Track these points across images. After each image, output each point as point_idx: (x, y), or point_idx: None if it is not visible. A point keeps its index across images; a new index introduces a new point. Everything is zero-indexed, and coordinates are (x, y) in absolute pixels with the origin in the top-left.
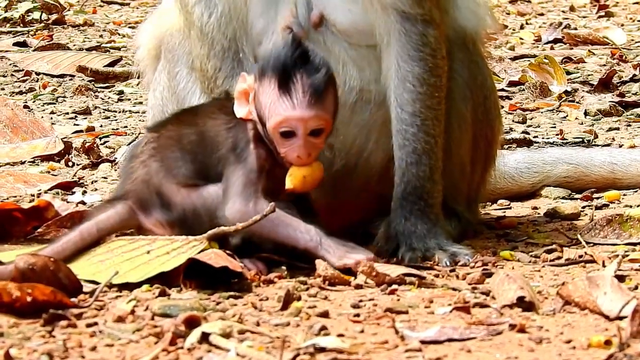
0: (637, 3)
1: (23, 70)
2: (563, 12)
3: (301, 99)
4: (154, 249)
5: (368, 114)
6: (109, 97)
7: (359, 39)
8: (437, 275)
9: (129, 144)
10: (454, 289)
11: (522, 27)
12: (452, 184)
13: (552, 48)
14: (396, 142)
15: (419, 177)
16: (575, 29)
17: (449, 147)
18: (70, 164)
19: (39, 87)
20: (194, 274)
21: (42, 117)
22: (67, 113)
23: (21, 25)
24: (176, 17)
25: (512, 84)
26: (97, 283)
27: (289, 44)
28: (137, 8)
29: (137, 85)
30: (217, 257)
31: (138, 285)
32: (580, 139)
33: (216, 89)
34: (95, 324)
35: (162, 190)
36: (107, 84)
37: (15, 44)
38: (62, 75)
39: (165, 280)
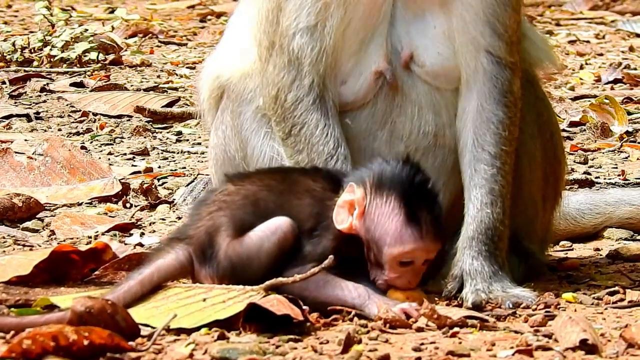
0: None
1: (80, 110)
2: (622, 52)
3: (428, 230)
4: (210, 297)
5: (440, 159)
6: (167, 138)
7: (442, 81)
8: (499, 318)
9: (188, 184)
10: (516, 332)
11: (581, 68)
12: (526, 222)
13: (612, 88)
14: (471, 181)
15: (492, 218)
16: (635, 69)
17: (521, 185)
18: (128, 205)
19: (97, 128)
20: (253, 318)
21: (100, 158)
22: (125, 154)
23: (78, 65)
24: (245, 53)
25: (573, 124)
26: (151, 327)
27: (404, 165)
28: (195, 48)
29: (196, 125)
30: (279, 304)
31: (197, 328)
32: None
33: (291, 119)
34: None
35: (216, 242)
36: (165, 125)
37: (72, 85)
38: (119, 116)
39: (224, 324)
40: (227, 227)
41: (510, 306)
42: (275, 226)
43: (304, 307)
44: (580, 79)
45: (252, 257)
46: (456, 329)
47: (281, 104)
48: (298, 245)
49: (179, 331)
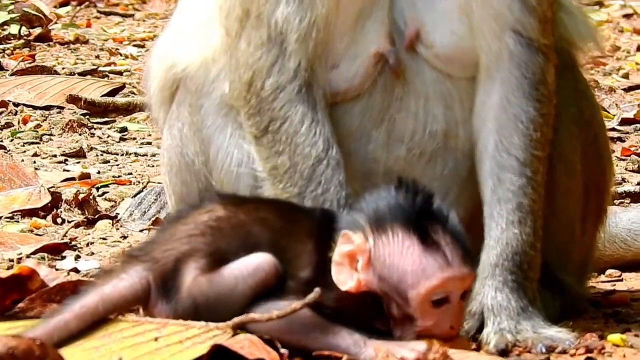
0: None
1: None
2: None
3: (453, 253)
4: (163, 336)
5: (452, 165)
6: (109, 136)
7: (456, 67)
8: None
9: (135, 195)
10: None
11: (639, 49)
12: (559, 247)
13: None
14: (494, 195)
15: (521, 239)
16: None
17: (554, 201)
18: (59, 221)
19: (19, 122)
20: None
21: (23, 160)
22: (55, 155)
23: None
24: (208, 30)
25: (625, 122)
26: None
27: (398, 189)
28: (144, 21)
29: (145, 120)
30: (251, 346)
31: None
32: None
33: (269, 112)
34: None
35: (181, 272)
36: (105, 119)
37: None
38: (47, 107)
39: None
40: (201, 255)
41: (543, 350)
42: (255, 265)
43: (282, 351)
44: (637, 63)
45: (222, 300)
46: None
47: (256, 92)
48: (283, 289)
49: None
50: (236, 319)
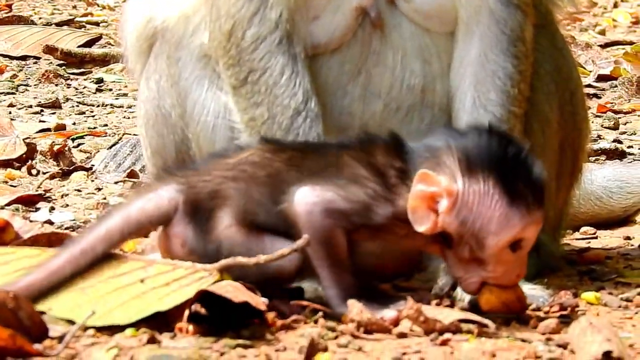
0: None
1: None
2: None
3: (535, 201)
4: (149, 277)
5: (428, 121)
6: (85, 87)
7: (435, 22)
8: (502, 323)
9: (110, 147)
10: (523, 340)
11: (615, 6)
12: None
13: None
14: None
15: None
16: None
17: None
18: (34, 172)
19: None
20: (195, 313)
21: None
22: (31, 106)
23: None
24: None
25: (601, 78)
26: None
27: (490, 135)
28: None
29: (122, 71)
30: (235, 290)
31: (121, 328)
32: None
33: (248, 63)
34: None
35: (214, 214)
36: (82, 70)
37: None
38: (24, 57)
39: (161, 319)
40: (234, 204)
41: None
42: (285, 259)
43: (262, 299)
44: (613, 20)
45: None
46: (447, 336)
47: (236, 42)
48: None
49: (100, 329)
50: (223, 262)
